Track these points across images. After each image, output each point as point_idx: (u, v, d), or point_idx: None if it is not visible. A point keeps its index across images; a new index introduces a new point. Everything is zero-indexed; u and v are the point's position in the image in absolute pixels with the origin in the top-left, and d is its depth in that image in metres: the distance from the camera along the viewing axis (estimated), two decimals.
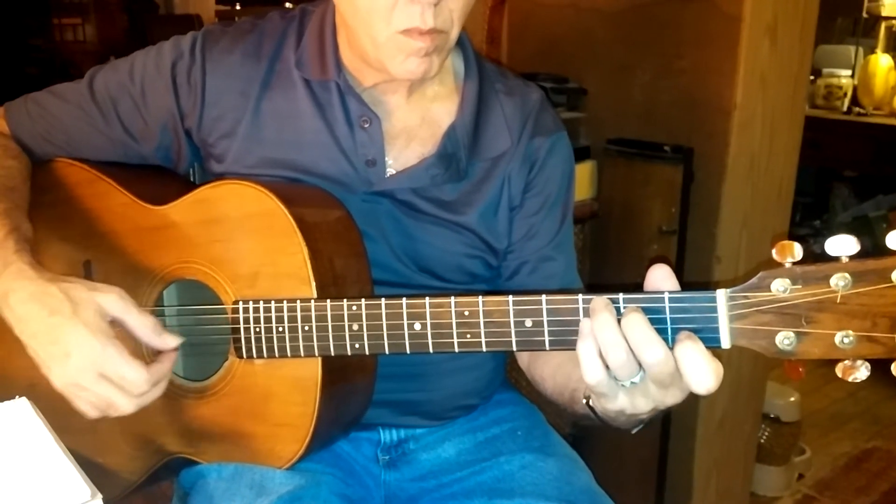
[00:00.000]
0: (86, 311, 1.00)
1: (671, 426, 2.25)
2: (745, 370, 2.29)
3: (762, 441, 2.74)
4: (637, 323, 0.84)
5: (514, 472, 1.24)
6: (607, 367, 0.87)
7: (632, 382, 0.88)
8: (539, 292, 0.92)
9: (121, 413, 1.03)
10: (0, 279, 1.02)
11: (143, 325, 1.05)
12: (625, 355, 0.85)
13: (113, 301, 1.03)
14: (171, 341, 1.07)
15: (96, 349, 0.99)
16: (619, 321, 0.85)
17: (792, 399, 2.82)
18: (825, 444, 3.15)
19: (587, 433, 2.22)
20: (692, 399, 0.90)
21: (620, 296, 0.87)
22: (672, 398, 0.89)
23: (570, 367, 1.11)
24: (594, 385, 0.89)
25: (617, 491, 1.25)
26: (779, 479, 2.84)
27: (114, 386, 1.01)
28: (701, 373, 0.83)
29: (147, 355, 1.13)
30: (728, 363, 2.24)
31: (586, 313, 0.89)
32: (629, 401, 0.90)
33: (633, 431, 1.03)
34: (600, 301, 0.87)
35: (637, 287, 0.89)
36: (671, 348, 0.84)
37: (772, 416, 2.77)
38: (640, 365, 0.86)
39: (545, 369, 1.21)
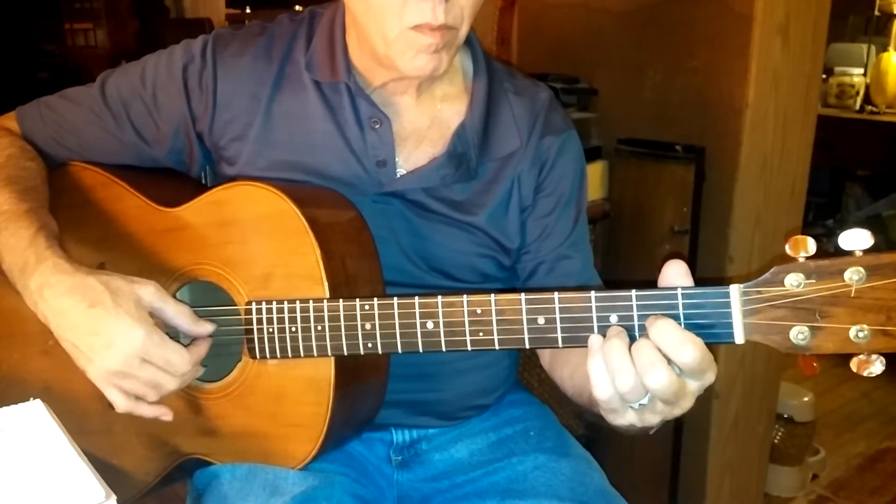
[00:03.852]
0: (127, 302, 1.02)
1: (684, 427, 2.24)
2: (759, 370, 2.28)
3: (776, 441, 2.72)
4: (644, 348, 0.85)
5: (526, 473, 1.24)
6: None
7: (640, 404, 0.88)
8: (552, 289, 0.92)
9: (166, 392, 1.06)
10: (35, 275, 1.04)
11: (180, 314, 1.08)
12: (632, 380, 0.86)
13: (151, 292, 1.05)
14: (207, 327, 1.11)
15: (140, 336, 1.01)
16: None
17: (806, 399, 2.81)
18: (839, 445, 3.14)
19: (600, 434, 2.22)
20: (705, 400, 0.90)
21: (633, 292, 0.87)
22: (680, 410, 0.90)
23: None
24: (604, 401, 0.90)
25: (630, 492, 1.24)
26: (793, 479, 2.82)
27: (158, 369, 1.03)
28: (682, 348, 0.83)
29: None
30: (741, 363, 2.24)
31: (599, 310, 0.89)
32: (638, 417, 0.91)
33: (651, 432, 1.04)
34: (614, 328, 0.88)
35: (650, 284, 0.89)
36: (644, 335, 0.86)
37: (785, 416, 2.76)
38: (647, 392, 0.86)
39: (564, 370, 1.22)
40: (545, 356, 1.31)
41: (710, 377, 0.87)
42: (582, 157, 1.34)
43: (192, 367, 1.07)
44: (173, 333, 1.10)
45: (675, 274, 0.88)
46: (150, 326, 1.03)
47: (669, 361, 0.85)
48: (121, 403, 1.05)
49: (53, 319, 1.03)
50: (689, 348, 0.83)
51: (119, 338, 1.01)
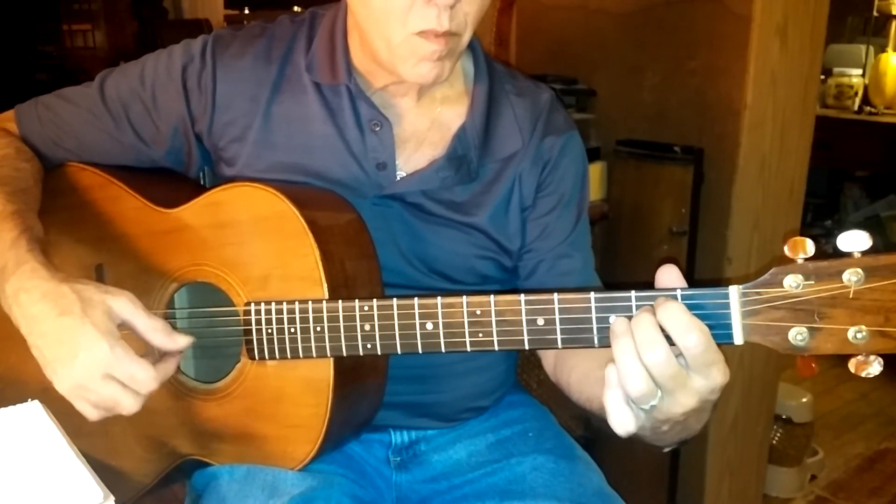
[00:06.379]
0: (94, 312, 1.00)
1: None
2: (757, 371, 2.29)
3: (774, 442, 2.72)
4: (643, 323, 0.84)
5: (525, 474, 1.24)
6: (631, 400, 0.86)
7: (651, 405, 0.87)
8: (551, 290, 0.92)
9: (126, 412, 1.03)
10: (13, 278, 1.02)
11: (152, 329, 1.05)
12: (643, 385, 0.84)
13: (123, 304, 1.03)
14: (181, 341, 1.07)
15: (104, 350, 0.98)
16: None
17: (804, 400, 2.81)
18: (838, 446, 3.14)
19: (599, 435, 2.22)
20: None
21: (633, 293, 0.87)
22: (679, 407, 0.87)
23: (599, 375, 1.09)
24: (625, 434, 0.89)
25: (629, 493, 1.24)
26: (791, 480, 2.82)
27: (120, 386, 1.00)
28: (688, 333, 0.82)
29: (150, 356, 1.13)
30: (740, 364, 2.24)
31: (598, 311, 0.89)
32: (645, 417, 0.89)
33: (665, 450, 1.03)
34: (621, 325, 0.86)
35: (649, 285, 0.88)
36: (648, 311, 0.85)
37: (784, 417, 2.76)
38: (656, 386, 0.85)
39: (571, 376, 1.20)
40: (549, 360, 1.30)
41: (716, 375, 0.85)
42: (584, 158, 1.33)
43: (158, 385, 1.03)
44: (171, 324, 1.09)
45: (669, 279, 0.88)
46: (114, 340, 1.00)
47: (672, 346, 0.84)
48: (92, 415, 1.03)
49: (25, 325, 1.01)
50: (694, 334, 0.82)
51: (83, 350, 0.98)
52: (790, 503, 2.80)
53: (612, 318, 0.88)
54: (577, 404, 1.20)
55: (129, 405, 1.02)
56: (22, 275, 1.02)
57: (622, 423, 0.87)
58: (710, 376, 0.85)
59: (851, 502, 2.82)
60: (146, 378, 1.01)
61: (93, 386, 1.00)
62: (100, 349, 0.98)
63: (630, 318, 0.87)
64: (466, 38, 1.14)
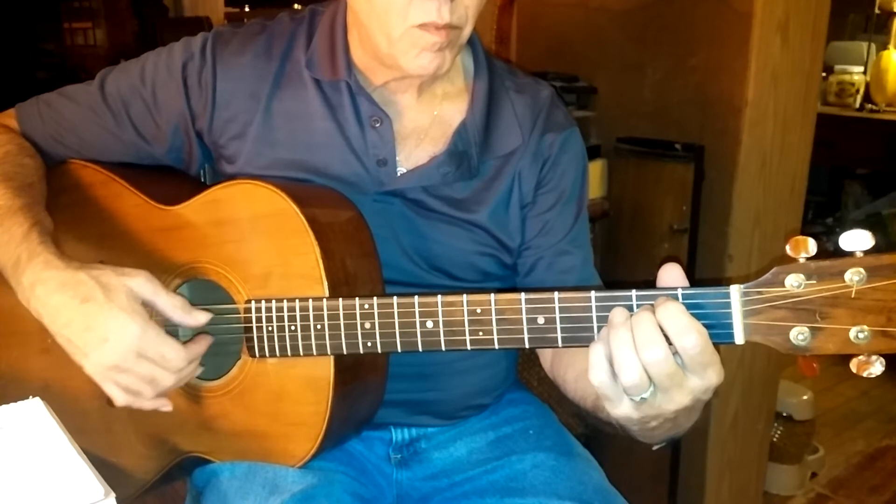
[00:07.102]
0: (118, 296, 1.01)
1: None
2: (758, 369, 2.28)
3: (775, 440, 2.73)
4: (643, 321, 0.84)
5: (526, 471, 1.24)
6: (616, 376, 0.87)
7: (641, 398, 0.87)
8: (552, 289, 0.92)
9: (163, 388, 1.05)
10: (27, 271, 1.03)
11: (172, 306, 1.06)
12: (637, 377, 0.85)
13: (142, 283, 1.04)
14: (201, 318, 1.09)
15: (135, 331, 1.01)
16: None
17: (805, 398, 2.81)
18: (839, 443, 3.14)
19: (599, 432, 2.22)
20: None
21: (633, 292, 0.87)
22: (673, 404, 0.88)
23: None
24: (597, 386, 0.89)
25: (629, 490, 1.25)
26: (792, 478, 2.82)
27: (154, 364, 1.03)
28: (686, 334, 0.82)
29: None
30: (740, 361, 2.23)
31: (599, 310, 0.89)
32: (635, 407, 0.89)
33: (654, 448, 1.03)
34: (620, 315, 0.87)
35: (650, 284, 0.88)
36: (648, 310, 0.85)
37: (785, 414, 2.76)
38: (650, 381, 0.86)
39: (568, 372, 1.21)
40: (546, 357, 1.31)
41: (711, 376, 0.86)
42: (584, 155, 1.34)
43: (190, 365, 1.06)
44: (173, 331, 1.10)
45: (672, 278, 0.88)
46: (144, 320, 1.02)
47: (670, 345, 0.84)
48: (119, 398, 1.05)
49: (47, 316, 1.03)
50: (692, 335, 0.82)
51: (113, 333, 1.00)
52: (790, 501, 2.80)
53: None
54: (571, 400, 1.21)
55: (165, 380, 1.04)
56: (36, 267, 1.03)
57: (596, 373, 0.88)
58: (706, 377, 0.86)
59: (852, 500, 2.82)
60: (176, 357, 1.04)
61: (129, 365, 1.02)
62: (131, 330, 1.00)
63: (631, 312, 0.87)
64: (467, 31, 1.14)
